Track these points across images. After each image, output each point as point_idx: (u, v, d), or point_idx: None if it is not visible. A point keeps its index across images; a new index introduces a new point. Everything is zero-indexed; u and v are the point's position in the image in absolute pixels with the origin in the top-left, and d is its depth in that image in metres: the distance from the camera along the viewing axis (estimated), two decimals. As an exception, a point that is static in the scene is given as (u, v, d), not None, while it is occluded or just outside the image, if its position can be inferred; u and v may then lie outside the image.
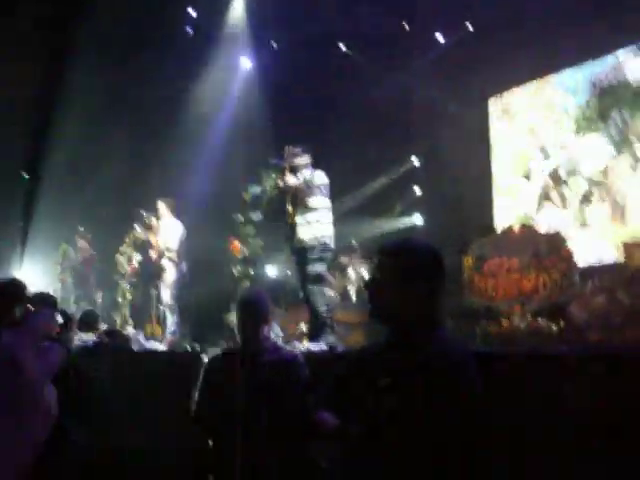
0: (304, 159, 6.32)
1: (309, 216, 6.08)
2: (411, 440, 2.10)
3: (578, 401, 2.61)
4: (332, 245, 6.22)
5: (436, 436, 2.07)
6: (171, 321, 8.28)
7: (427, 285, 2.30)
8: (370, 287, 2.38)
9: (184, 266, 8.54)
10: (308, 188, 6.07)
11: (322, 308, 5.97)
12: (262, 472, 3.48)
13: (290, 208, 6.25)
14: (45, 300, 4.15)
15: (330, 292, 6.37)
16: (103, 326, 7.73)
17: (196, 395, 3.96)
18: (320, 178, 6.16)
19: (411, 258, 2.33)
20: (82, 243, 10.73)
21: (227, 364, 3.78)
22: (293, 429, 3.24)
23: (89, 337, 6.01)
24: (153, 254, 8.70)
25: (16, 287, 3.21)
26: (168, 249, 8.46)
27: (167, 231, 8.64)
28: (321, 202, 6.14)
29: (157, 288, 8.66)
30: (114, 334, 6.55)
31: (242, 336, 3.84)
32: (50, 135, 11.72)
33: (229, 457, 3.58)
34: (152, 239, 8.76)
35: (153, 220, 8.90)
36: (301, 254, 6.18)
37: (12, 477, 2.73)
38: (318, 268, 6.07)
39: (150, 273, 8.82)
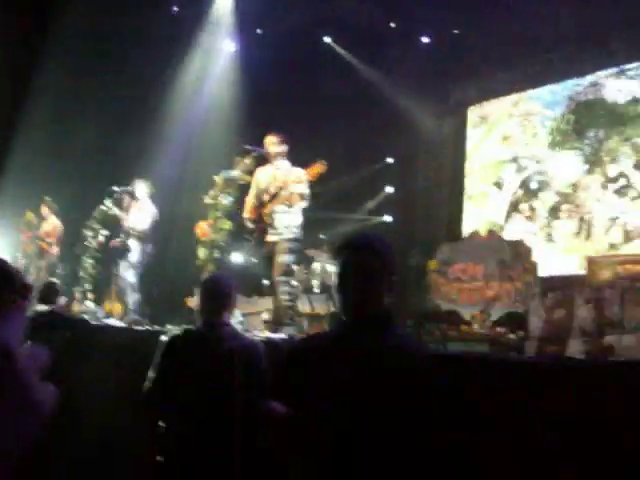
0: (281, 148, 6.31)
1: (283, 207, 6.06)
2: (373, 434, 2.12)
3: (533, 409, 2.64)
4: (300, 236, 6.21)
5: (398, 431, 2.10)
6: (133, 300, 8.21)
7: (389, 281, 2.35)
8: (338, 282, 2.39)
9: (149, 247, 8.49)
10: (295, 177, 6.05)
11: (286, 298, 5.97)
12: (213, 458, 3.47)
13: (266, 197, 6.23)
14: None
15: (295, 283, 6.36)
16: (62, 300, 7.65)
17: (150, 374, 3.89)
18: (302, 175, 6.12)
19: (377, 254, 2.36)
20: (47, 213, 10.56)
21: (185, 347, 3.75)
22: (245, 418, 3.23)
23: (44, 309, 5.93)
24: (121, 232, 8.61)
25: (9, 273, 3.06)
26: (135, 229, 8.39)
27: (140, 211, 8.57)
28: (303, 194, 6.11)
29: (117, 265, 8.58)
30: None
31: (203, 319, 3.81)
32: (23, 102, 11.54)
33: (181, 441, 3.56)
34: (122, 217, 8.67)
35: (126, 198, 8.82)
36: (273, 244, 6.16)
37: None
38: (287, 259, 6.06)
39: (115, 250, 8.71)
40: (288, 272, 6.07)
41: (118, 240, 8.57)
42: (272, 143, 6.33)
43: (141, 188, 8.70)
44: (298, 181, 6.00)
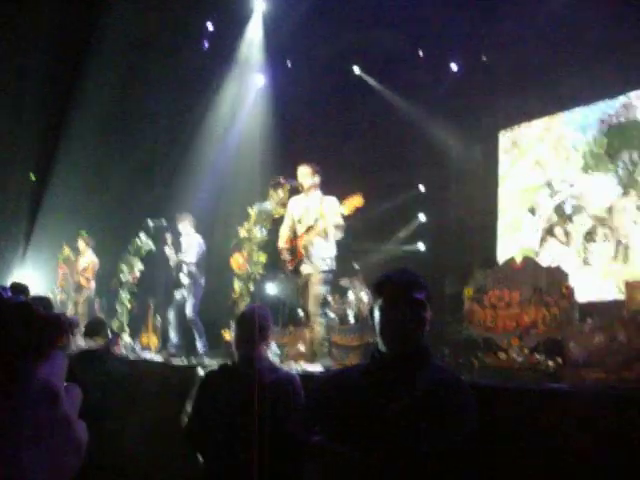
0: (314, 179, 6.33)
1: (319, 238, 6.08)
2: (419, 465, 2.12)
3: (578, 440, 2.60)
4: (334, 267, 6.22)
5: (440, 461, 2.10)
6: (198, 336, 8.33)
7: (429, 314, 2.40)
8: (383, 315, 2.41)
9: (203, 280, 8.63)
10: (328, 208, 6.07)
11: (322, 330, 5.96)
12: None
13: (301, 228, 6.26)
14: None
15: (331, 314, 6.36)
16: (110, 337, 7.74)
17: (189, 409, 3.90)
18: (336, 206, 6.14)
19: (423, 288, 2.39)
20: (84, 247, 10.70)
21: (223, 381, 3.75)
22: (285, 452, 3.21)
23: (92, 344, 5.97)
24: (171, 268, 8.75)
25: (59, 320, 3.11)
26: (186, 262, 8.52)
27: (190, 245, 8.71)
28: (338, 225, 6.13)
29: (156, 298, 8.68)
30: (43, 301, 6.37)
31: (239, 353, 3.80)
32: (60, 138, 11.75)
33: (219, 475, 3.55)
34: (169, 253, 8.80)
35: (166, 233, 8.97)
36: (307, 275, 6.17)
37: None
38: (322, 290, 6.06)
39: (167, 283, 8.86)
40: (324, 303, 6.08)
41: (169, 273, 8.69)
42: (305, 174, 6.36)
43: (185, 223, 8.82)
44: (333, 212, 6.02)
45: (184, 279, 8.51)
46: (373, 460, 2.17)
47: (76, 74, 11.17)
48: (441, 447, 2.12)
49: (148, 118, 11.54)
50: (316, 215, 6.12)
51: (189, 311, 8.42)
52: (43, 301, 4.37)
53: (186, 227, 8.83)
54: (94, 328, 6.09)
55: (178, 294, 8.63)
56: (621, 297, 7.82)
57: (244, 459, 3.39)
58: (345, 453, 2.23)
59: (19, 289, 4.11)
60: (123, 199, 11.84)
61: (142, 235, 9.34)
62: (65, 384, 2.81)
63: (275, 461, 3.28)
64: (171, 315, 8.60)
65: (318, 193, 6.31)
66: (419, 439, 2.13)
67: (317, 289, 6.03)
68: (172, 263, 8.77)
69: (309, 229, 6.16)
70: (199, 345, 8.23)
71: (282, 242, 6.46)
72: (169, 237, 8.92)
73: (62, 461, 2.58)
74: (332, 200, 6.18)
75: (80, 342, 6.05)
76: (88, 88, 10.97)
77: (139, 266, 9.51)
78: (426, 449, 2.12)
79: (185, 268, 8.52)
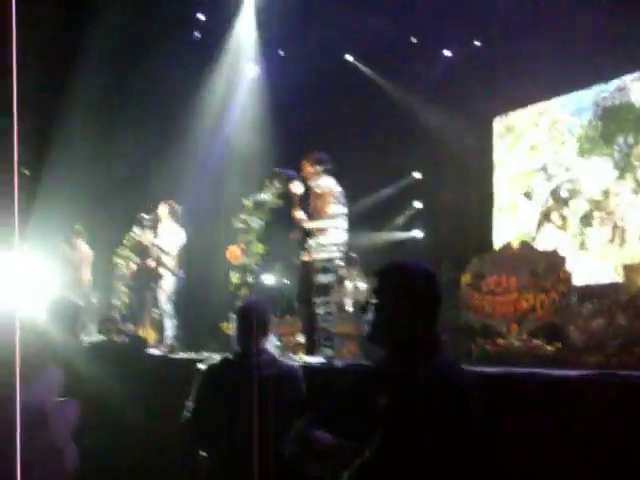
0: (316, 168, 6.29)
1: (327, 222, 6.05)
2: (408, 462, 2.08)
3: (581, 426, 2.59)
4: (340, 255, 6.19)
5: (433, 457, 2.06)
6: (169, 326, 8.16)
7: (420, 305, 2.31)
8: (368, 308, 2.39)
9: (182, 272, 8.44)
10: (330, 196, 6.05)
11: (324, 320, 5.92)
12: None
13: (301, 214, 6.22)
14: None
15: (331, 304, 6.31)
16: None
17: (189, 403, 3.89)
18: (334, 185, 6.14)
19: (404, 278, 2.35)
20: (79, 242, 10.63)
21: (224, 375, 3.76)
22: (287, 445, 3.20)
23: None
24: (151, 258, 8.58)
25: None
26: (166, 254, 8.34)
27: (166, 235, 8.52)
28: (339, 209, 6.12)
29: (154, 292, 8.57)
30: None
31: (240, 346, 3.80)
32: (52, 133, 11.68)
33: (220, 469, 3.55)
34: (150, 242, 8.63)
35: (153, 223, 8.82)
36: (309, 264, 6.13)
37: None
38: (323, 279, 6.03)
39: (147, 277, 8.72)
40: (325, 292, 6.03)
41: (147, 262, 8.54)
42: (305, 165, 6.33)
43: (164, 211, 8.61)
44: (335, 201, 6.02)
45: (162, 270, 8.32)
46: (364, 455, 2.15)
47: (67, 71, 11.10)
48: (427, 445, 2.07)
49: (140, 111, 11.46)
50: (317, 204, 6.11)
51: (162, 302, 8.25)
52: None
53: (165, 215, 8.61)
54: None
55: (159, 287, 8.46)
56: (618, 280, 7.83)
57: (246, 452, 3.37)
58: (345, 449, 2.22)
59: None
60: (117, 192, 11.78)
61: (136, 228, 9.25)
62: (60, 399, 2.76)
63: (277, 454, 3.28)
64: (159, 310, 8.46)
65: (324, 179, 6.25)
66: (404, 437, 2.09)
67: (319, 278, 5.99)
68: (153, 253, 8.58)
69: (315, 214, 6.13)
70: (168, 335, 8.08)
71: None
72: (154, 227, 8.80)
73: None
74: (335, 188, 6.15)
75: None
76: (79, 86, 10.90)
77: (134, 259, 9.45)
78: (412, 446, 2.08)
79: (161, 257, 8.34)
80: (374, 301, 2.36)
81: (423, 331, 2.30)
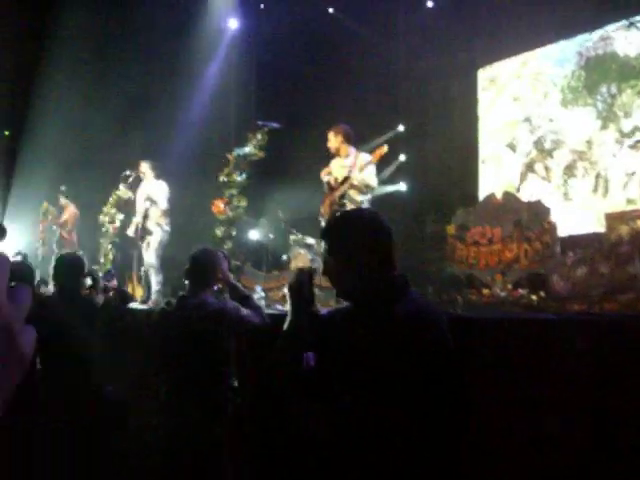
0: (339, 139, 6.49)
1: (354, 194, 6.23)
2: (382, 401, 2.10)
3: (562, 367, 2.64)
4: None
5: (406, 395, 2.08)
6: (155, 281, 8.16)
7: (371, 257, 2.28)
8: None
9: (168, 227, 8.41)
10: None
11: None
12: (189, 418, 3.66)
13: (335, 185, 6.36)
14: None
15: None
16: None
17: None
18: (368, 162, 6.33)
19: (345, 230, 2.37)
20: (64, 201, 10.59)
21: (161, 323, 4.12)
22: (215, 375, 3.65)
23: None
24: (139, 214, 8.54)
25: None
26: (156, 205, 8.31)
27: (153, 189, 8.48)
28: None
29: (139, 248, 8.55)
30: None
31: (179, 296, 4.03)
32: (33, 92, 11.56)
33: (170, 409, 3.82)
34: (139, 197, 8.60)
35: (137, 180, 8.79)
36: None
37: None
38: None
39: (136, 234, 8.68)
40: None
41: (134, 226, 8.50)
42: (330, 139, 6.46)
43: (146, 168, 8.57)
44: (365, 169, 6.16)
45: (150, 225, 8.30)
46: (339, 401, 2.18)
47: (48, 23, 10.94)
48: (400, 385, 2.07)
49: (121, 71, 11.33)
50: (349, 170, 6.24)
51: (151, 257, 8.24)
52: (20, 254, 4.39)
53: (147, 171, 8.57)
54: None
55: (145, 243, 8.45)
56: (601, 230, 7.88)
57: (180, 388, 3.73)
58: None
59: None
60: (101, 152, 11.69)
61: (121, 186, 9.22)
62: (12, 285, 2.76)
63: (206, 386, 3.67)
64: (146, 265, 8.45)
65: (352, 150, 6.40)
66: (377, 379, 2.10)
67: None
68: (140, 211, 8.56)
69: (344, 181, 6.26)
70: (153, 290, 8.10)
71: (323, 208, 6.54)
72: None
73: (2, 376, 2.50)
74: (365, 156, 6.30)
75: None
76: (59, 44, 10.75)
77: (119, 217, 9.43)
78: (385, 388, 2.08)
79: (151, 213, 8.31)
80: (329, 261, 2.37)
81: (382, 274, 2.29)
